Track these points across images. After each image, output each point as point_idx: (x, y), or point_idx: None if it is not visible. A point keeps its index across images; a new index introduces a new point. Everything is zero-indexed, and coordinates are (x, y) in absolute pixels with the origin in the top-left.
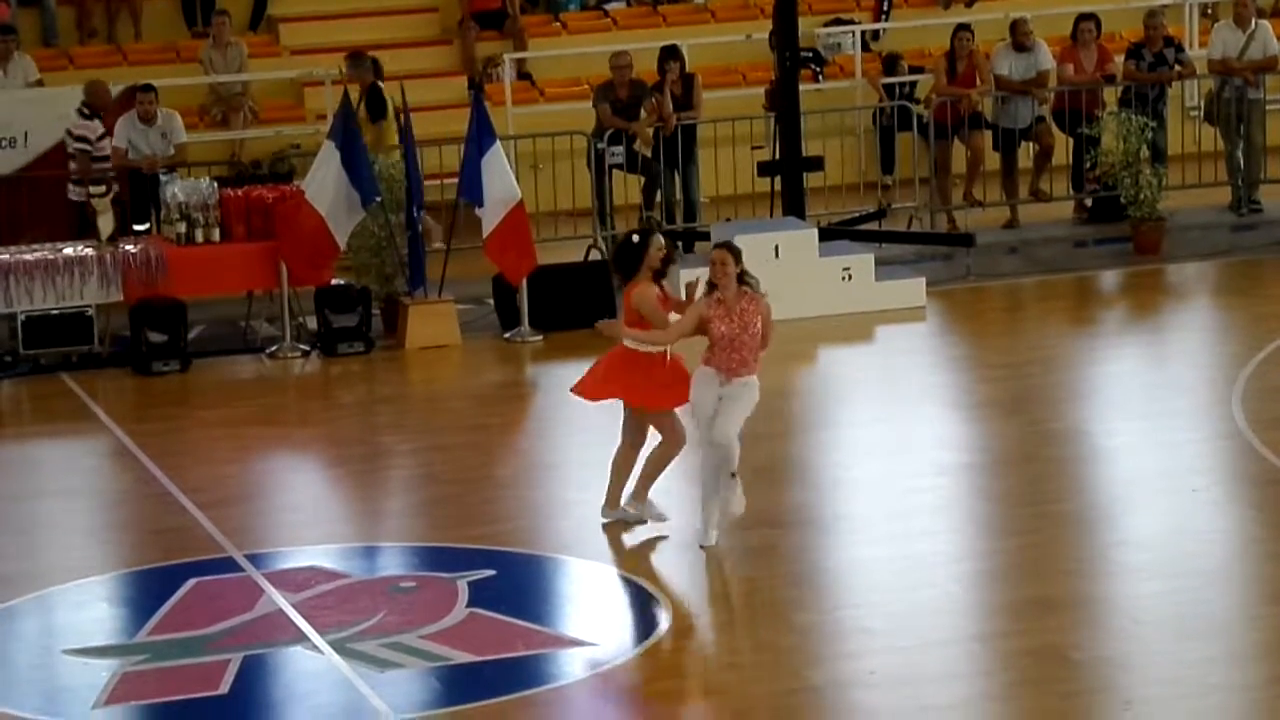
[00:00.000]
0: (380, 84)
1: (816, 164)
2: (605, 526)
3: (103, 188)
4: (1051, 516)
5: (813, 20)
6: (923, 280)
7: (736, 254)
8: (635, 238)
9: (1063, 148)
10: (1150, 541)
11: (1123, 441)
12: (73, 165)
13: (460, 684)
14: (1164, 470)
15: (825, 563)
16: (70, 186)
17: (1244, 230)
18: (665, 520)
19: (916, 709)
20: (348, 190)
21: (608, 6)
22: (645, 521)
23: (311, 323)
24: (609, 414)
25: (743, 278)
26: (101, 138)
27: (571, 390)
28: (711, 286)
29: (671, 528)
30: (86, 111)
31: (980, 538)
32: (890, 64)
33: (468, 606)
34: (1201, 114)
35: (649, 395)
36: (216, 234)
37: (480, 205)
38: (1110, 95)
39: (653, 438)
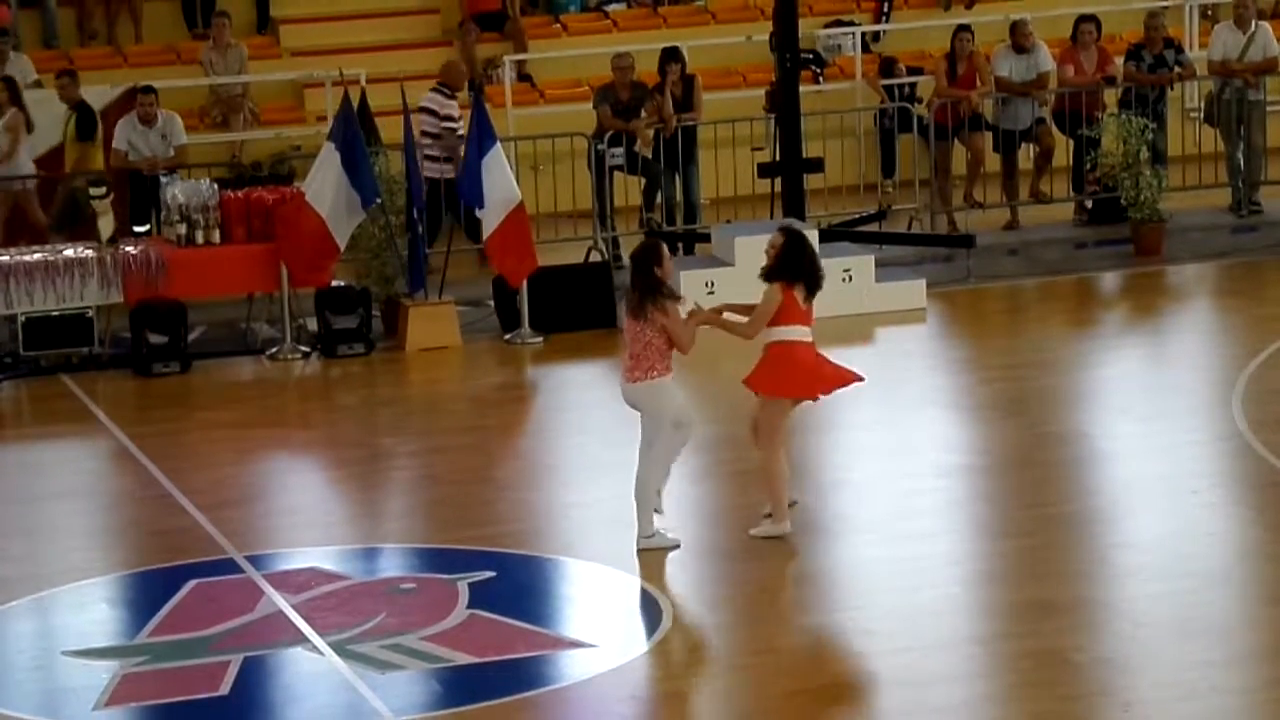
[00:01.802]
0: (89, 105)
1: (817, 165)
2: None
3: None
4: (1051, 519)
5: (813, 22)
6: (923, 282)
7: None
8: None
9: (1063, 149)
10: (1150, 544)
11: (1123, 444)
12: (425, 141)
13: (461, 685)
14: (1164, 472)
15: (825, 564)
16: (426, 164)
17: (1244, 232)
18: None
19: (917, 711)
20: (348, 192)
21: (608, 8)
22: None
23: (312, 324)
24: (609, 416)
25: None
26: (460, 118)
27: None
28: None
29: (674, 528)
30: (448, 91)
31: (980, 540)
32: (887, 67)
33: (468, 608)
34: (1201, 115)
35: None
36: (217, 236)
37: (480, 207)
38: (1110, 97)
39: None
